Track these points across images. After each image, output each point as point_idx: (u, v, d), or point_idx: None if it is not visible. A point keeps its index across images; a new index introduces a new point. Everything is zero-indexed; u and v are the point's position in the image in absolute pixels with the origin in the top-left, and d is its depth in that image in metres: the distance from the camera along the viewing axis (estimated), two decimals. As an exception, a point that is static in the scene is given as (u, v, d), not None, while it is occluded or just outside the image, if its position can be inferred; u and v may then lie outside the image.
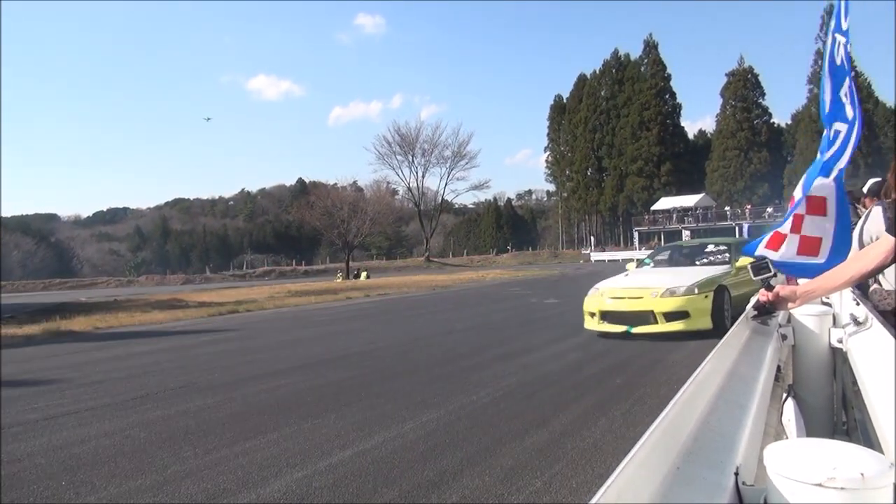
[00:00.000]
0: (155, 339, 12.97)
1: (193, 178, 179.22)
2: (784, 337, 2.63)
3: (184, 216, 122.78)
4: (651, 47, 74.02)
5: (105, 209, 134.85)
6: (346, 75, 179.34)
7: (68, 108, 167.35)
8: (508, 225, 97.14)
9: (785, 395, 2.08)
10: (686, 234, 54.13)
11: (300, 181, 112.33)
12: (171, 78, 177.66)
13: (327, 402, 6.09)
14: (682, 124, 75.30)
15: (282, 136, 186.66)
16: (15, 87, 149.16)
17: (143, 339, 13.04)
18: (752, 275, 2.45)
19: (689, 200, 61.56)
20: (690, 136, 77.30)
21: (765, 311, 2.30)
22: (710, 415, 1.33)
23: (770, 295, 2.27)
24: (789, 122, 68.98)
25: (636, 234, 64.70)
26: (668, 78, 72.81)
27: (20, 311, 22.38)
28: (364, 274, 44.44)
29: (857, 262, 2.19)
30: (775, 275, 2.52)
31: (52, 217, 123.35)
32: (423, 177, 74.96)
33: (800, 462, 0.88)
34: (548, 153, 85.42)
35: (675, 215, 61.52)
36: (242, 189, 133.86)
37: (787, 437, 1.68)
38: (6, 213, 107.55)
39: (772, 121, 68.37)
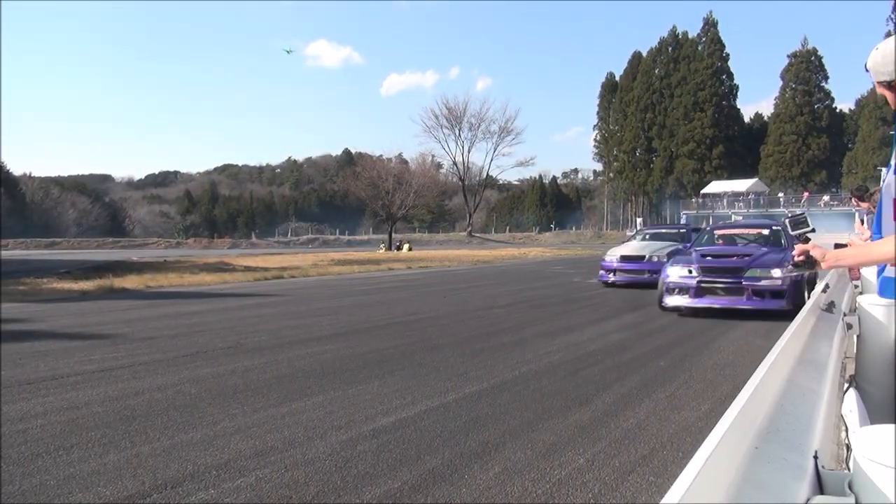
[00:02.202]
0: (203, 300, 13.30)
1: (242, 144, 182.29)
2: (849, 326, 2.55)
3: (232, 182, 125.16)
4: (710, 25, 71.73)
5: (157, 172, 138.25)
6: (403, 43, 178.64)
7: (126, 72, 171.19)
8: (552, 203, 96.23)
9: (847, 384, 2.02)
10: (736, 219, 52.76)
11: (346, 151, 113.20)
12: (229, 42, 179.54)
13: (371, 369, 6.18)
14: (738, 106, 73.11)
15: (333, 104, 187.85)
16: (75, 50, 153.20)
17: (191, 299, 13.39)
18: (789, 229, 2.38)
19: (740, 185, 59.90)
20: (746, 118, 75.06)
21: (800, 266, 2.25)
22: (784, 398, 1.30)
23: (802, 250, 2.22)
24: (853, 107, 66.30)
25: (684, 217, 63.41)
26: (726, 58, 70.61)
27: (76, 267, 23.20)
28: (406, 246, 44.72)
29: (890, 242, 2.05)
30: (813, 230, 2.45)
31: (107, 178, 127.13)
32: (468, 151, 74.75)
33: (892, 448, 0.85)
34: (596, 132, 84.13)
35: (725, 200, 60.02)
36: (289, 157, 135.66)
37: (846, 429, 1.64)
38: (63, 172, 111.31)
39: (834, 105, 65.84)
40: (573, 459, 3.76)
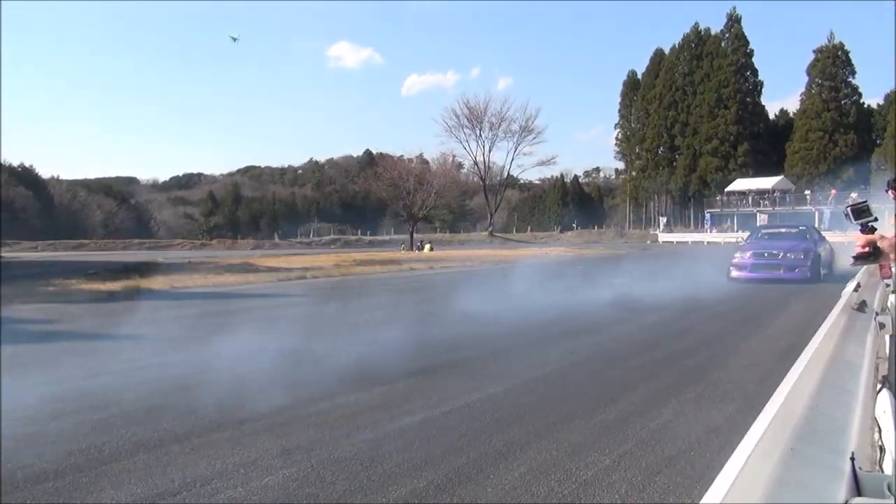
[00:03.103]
0: (226, 300, 13.45)
1: (264, 146, 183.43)
2: (881, 325, 2.51)
3: (254, 183, 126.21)
4: (733, 21, 70.80)
5: (181, 174, 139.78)
6: (424, 44, 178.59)
7: (149, 76, 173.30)
8: (574, 202, 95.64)
9: (879, 385, 1.99)
10: (762, 217, 52.15)
11: (367, 152, 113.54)
12: (251, 45, 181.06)
13: (394, 370, 6.20)
14: (763, 103, 72.06)
15: (354, 105, 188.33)
16: (98, 57, 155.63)
17: (215, 299, 13.54)
18: (851, 218, 2.30)
19: (766, 183, 59.06)
20: (771, 115, 73.92)
21: (862, 257, 2.17)
22: (819, 399, 1.29)
23: (868, 240, 2.14)
24: (881, 102, 65.03)
25: (708, 216, 62.69)
26: (750, 54, 69.62)
27: (103, 268, 23.56)
28: (428, 246, 44.77)
29: None
30: (876, 219, 2.36)
31: (132, 180, 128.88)
32: (489, 151, 74.53)
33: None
34: (618, 130, 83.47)
35: (750, 198, 59.23)
36: (311, 158, 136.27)
37: (879, 430, 1.61)
38: (91, 175, 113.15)
39: (861, 101, 64.60)
40: (599, 460, 3.76)
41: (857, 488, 0.97)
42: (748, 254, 15.66)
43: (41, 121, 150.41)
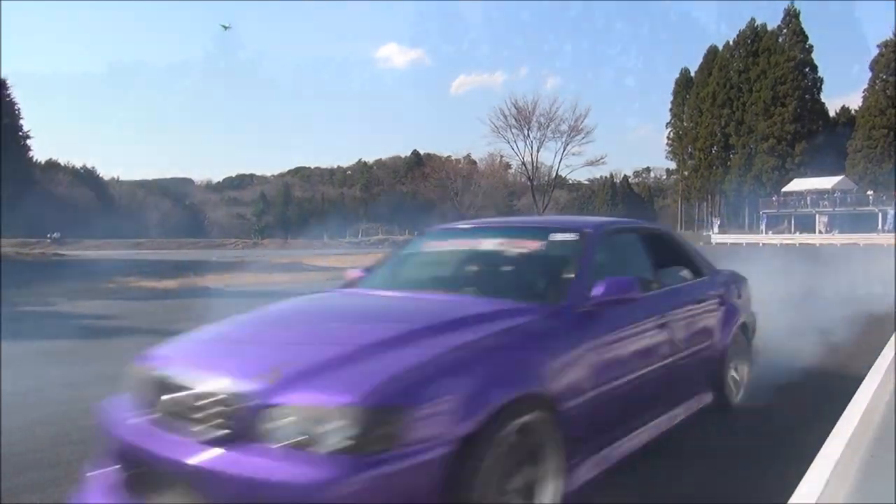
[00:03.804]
0: (279, 299, 13.68)
1: (314, 147, 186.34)
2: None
3: (304, 184, 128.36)
4: (791, 16, 68.64)
5: (234, 175, 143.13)
6: (472, 44, 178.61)
7: (203, 82, 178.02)
8: (624, 203, 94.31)
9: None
10: (822, 218, 50.46)
11: (415, 153, 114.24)
12: (301, 47, 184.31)
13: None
14: (823, 100, 69.64)
15: (402, 106, 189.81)
16: (158, 62, 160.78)
17: (267, 298, 13.79)
18: None
19: (825, 183, 57.04)
20: (832, 112, 71.39)
21: None
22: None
23: None
24: (950, 98, 62.07)
25: (763, 217, 60.95)
26: (809, 50, 67.40)
27: (159, 267, 24.30)
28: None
29: None
30: None
31: (187, 181, 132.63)
32: (537, 151, 73.99)
33: None
34: (670, 129, 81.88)
35: (808, 198, 57.31)
36: (360, 159, 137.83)
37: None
38: (148, 177, 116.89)
39: (928, 97, 61.83)
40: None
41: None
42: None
43: (102, 123, 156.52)
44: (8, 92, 46.38)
